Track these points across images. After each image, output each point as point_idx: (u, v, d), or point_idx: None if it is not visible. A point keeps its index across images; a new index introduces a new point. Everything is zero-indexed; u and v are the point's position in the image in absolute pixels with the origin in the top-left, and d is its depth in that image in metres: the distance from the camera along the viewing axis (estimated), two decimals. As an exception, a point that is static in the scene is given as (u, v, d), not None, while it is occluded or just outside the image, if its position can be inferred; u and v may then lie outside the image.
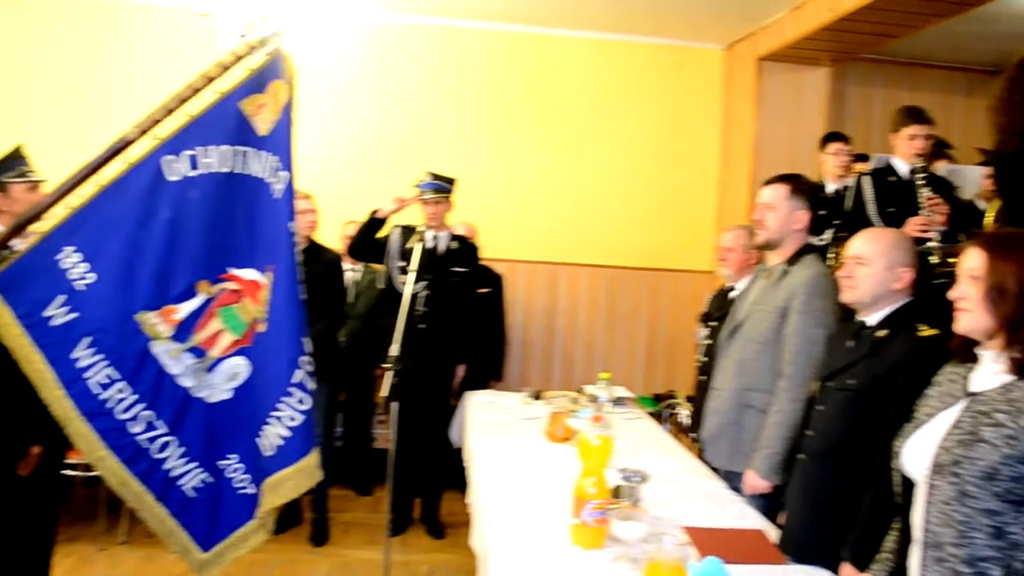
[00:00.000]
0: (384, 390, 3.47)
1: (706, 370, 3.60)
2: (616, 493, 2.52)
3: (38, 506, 3.18)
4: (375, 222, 4.38)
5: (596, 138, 6.08)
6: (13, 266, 2.28)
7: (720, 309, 3.76)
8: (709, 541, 2.29)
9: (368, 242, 4.45)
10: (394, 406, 3.59)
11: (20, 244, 2.37)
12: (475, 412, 4.00)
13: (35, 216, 2.33)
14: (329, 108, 5.61)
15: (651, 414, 4.56)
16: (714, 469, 3.12)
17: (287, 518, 4.55)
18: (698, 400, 3.76)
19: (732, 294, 3.77)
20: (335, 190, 5.18)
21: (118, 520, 4.42)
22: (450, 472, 4.75)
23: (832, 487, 2.34)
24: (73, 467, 3.84)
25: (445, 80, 5.98)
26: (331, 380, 4.36)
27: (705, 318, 4.05)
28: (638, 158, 6.13)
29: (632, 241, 6.15)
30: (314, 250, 4.25)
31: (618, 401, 4.18)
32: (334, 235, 5.19)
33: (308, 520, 4.58)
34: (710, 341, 3.73)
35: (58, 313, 2.27)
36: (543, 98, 6.04)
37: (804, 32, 5.06)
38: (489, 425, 3.71)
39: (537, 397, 4.28)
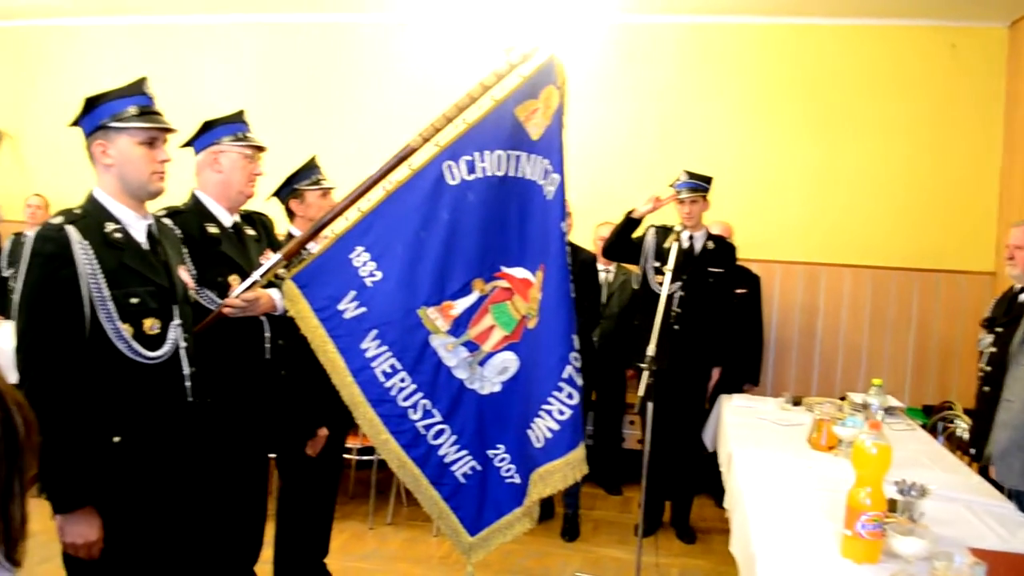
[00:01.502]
0: (640, 390, 3.50)
1: (991, 380, 3.31)
2: (892, 507, 2.39)
3: (321, 484, 3.52)
4: (630, 222, 4.41)
5: (858, 130, 5.74)
6: (312, 265, 2.56)
7: (1008, 314, 3.44)
8: (1006, 567, 2.11)
9: (623, 242, 4.48)
10: (649, 407, 3.61)
11: (314, 246, 2.65)
12: (731, 416, 3.92)
13: (330, 220, 2.59)
14: (579, 110, 5.69)
15: (922, 426, 4.25)
16: (1001, 488, 2.86)
17: (540, 511, 4.69)
18: (982, 413, 3.46)
19: (1022, 297, 3.43)
20: (587, 191, 5.28)
21: (386, 502, 4.79)
22: (702, 476, 4.72)
23: None
24: (348, 451, 4.19)
25: (695, 77, 5.90)
26: (583, 379, 4.44)
27: (989, 324, 3.70)
28: (905, 150, 5.71)
29: (899, 239, 5.74)
30: (570, 250, 4.36)
31: (888, 411, 3.94)
32: (587, 236, 5.29)
33: (560, 515, 4.72)
34: (995, 349, 3.42)
35: (350, 307, 2.52)
36: (799, 91, 5.79)
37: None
38: (746, 430, 3.62)
39: (796, 403, 4.13)
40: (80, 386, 2.03)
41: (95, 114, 2.16)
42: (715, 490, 4.97)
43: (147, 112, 2.19)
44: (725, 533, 4.57)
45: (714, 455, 4.19)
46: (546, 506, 4.74)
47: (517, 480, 2.56)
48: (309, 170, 3.41)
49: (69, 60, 6.63)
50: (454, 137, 2.47)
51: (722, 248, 4.56)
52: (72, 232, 2.06)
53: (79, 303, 2.04)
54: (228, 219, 2.79)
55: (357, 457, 4.70)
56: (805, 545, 2.27)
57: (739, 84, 5.86)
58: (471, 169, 2.47)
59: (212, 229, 2.71)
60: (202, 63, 6.41)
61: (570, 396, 2.37)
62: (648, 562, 4.19)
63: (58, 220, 2.09)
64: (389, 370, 2.52)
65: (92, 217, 2.14)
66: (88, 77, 5.93)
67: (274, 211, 3.30)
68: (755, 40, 5.84)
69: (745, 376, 5.09)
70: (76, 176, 2.23)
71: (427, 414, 2.55)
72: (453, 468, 2.60)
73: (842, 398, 4.07)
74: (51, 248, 2.04)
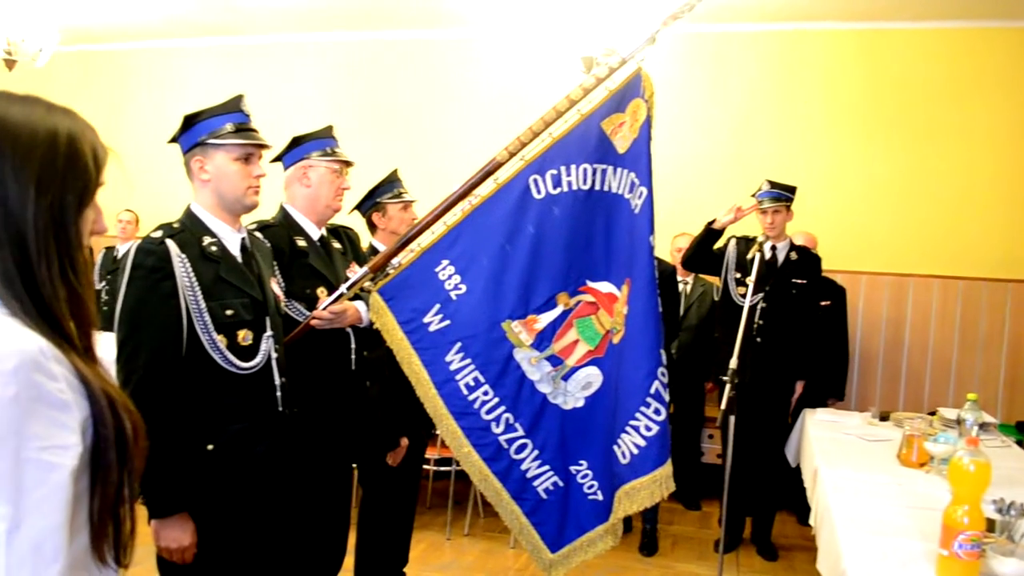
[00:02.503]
0: (722, 403, 3.45)
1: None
2: (990, 527, 2.30)
3: (402, 494, 3.56)
4: (712, 233, 4.35)
5: (947, 137, 5.55)
6: (398, 278, 2.60)
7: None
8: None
9: (704, 253, 4.43)
10: (731, 420, 3.55)
11: (399, 260, 2.69)
12: (815, 431, 3.83)
13: (416, 234, 2.63)
14: (657, 116, 5.67)
15: (1016, 443, 4.09)
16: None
17: (618, 525, 4.67)
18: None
19: None
20: (663, 202, 5.17)
21: (463, 513, 4.81)
22: (784, 492, 4.63)
23: None
24: (426, 461, 4.23)
25: (773, 86, 5.81)
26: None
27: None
28: (1000, 156, 5.48)
29: (992, 249, 5.51)
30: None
31: (982, 426, 3.80)
32: (664, 247, 5.25)
33: (637, 530, 4.67)
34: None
35: (434, 320, 2.55)
36: (884, 97, 5.63)
37: None
38: (832, 445, 3.54)
39: (884, 418, 4.03)
40: (178, 396, 2.10)
41: (193, 131, 2.23)
42: (797, 506, 4.87)
43: (243, 129, 2.26)
44: (808, 551, 4.52)
45: (796, 470, 4.11)
46: (623, 520, 4.69)
47: (600, 497, 2.55)
48: (390, 183, 3.46)
49: (162, 80, 6.88)
50: (540, 151, 2.49)
51: (806, 259, 4.47)
52: (172, 246, 2.13)
53: (178, 315, 2.11)
54: (316, 232, 2.85)
55: (435, 468, 4.75)
56: (898, 565, 2.20)
57: (820, 92, 5.74)
58: (557, 183, 2.48)
59: (301, 242, 2.78)
60: (289, 80, 6.57)
61: (657, 412, 2.35)
62: (729, 579, 4.13)
63: (158, 234, 2.16)
64: (472, 383, 2.54)
65: (190, 231, 2.21)
66: (180, 96, 6.17)
67: (357, 224, 3.37)
68: (834, 46, 5.71)
69: (829, 390, 4.96)
70: (165, 193, 2.31)
71: (509, 428, 2.56)
72: (535, 483, 2.60)
73: (932, 413, 3.95)
74: (152, 261, 2.11)
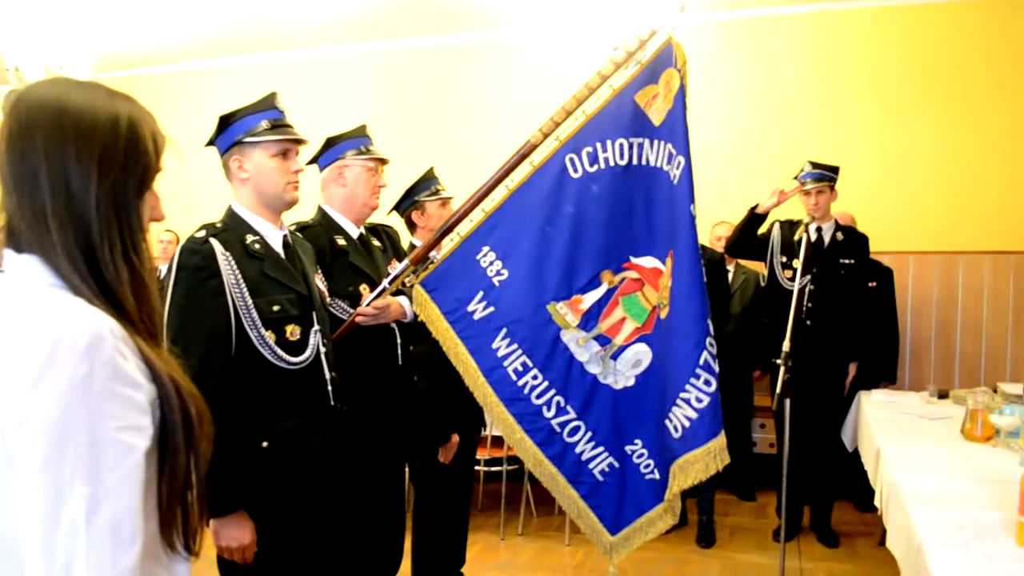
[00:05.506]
0: (777, 387, 3.40)
1: None
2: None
3: (455, 493, 3.55)
4: (755, 218, 4.31)
5: (992, 108, 5.40)
6: (439, 268, 2.59)
7: None
8: None
9: (748, 239, 4.39)
10: (786, 404, 3.50)
11: (435, 254, 2.68)
12: (873, 412, 3.75)
13: (455, 223, 2.62)
14: (691, 107, 5.64)
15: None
16: None
17: (672, 518, 4.62)
18: None
19: None
20: (702, 190, 5.16)
21: (516, 514, 4.79)
22: (842, 479, 4.54)
23: None
24: (476, 462, 4.21)
25: (813, 66, 5.72)
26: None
27: None
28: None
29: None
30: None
31: (1045, 400, 3.70)
32: (703, 236, 5.18)
33: (693, 522, 4.61)
34: None
35: (478, 308, 2.53)
36: (926, 70, 5.51)
37: None
38: (892, 424, 3.46)
39: (943, 395, 3.94)
40: (231, 394, 2.10)
41: (230, 131, 2.26)
42: (855, 493, 4.78)
43: (279, 125, 2.28)
44: (869, 536, 4.44)
45: (852, 456, 4.03)
46: (679, 514, 4.63)
47: (656, 476, 2.51)
48: (427, 181, 3.46)
49: (198, 101, 6.94)
50: (574, 130, 2.47)
51: (852, 238, 4.41)
52: (216, 244, 2.14)
53: (227, 312, 2.11)
54: (355, 231, 2.86)
55: (485, 468, 4.73)
56: (975, 535, 2.13)
57: (859, 68, 5.64)
58: (593, 160, 2.46)
59: (341, 241, 2.79)
60: (324, 93, 6.62)
61: (707, 383, 2.31)
62: (792, 567, 4.04)
63: (201, 234, 2.18)
64: (521, 368, 2.52)
65: (233, 230, 2.22)
66: (216, 117, 6.23)
67: (396, 226, 3.37)
68: (870, 24, 5.62)
69: (881, 374, 4.86)
70: (207, 213, 2.32)
71: (561, 411, 2.54)
72: (590, 466, 2.57)
73: (993, 388, 3.85)
74: (197, 260, 2.12)
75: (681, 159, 2.38)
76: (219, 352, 2.10)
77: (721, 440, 2.34)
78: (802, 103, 5.74)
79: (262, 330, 2.15)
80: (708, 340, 2.34)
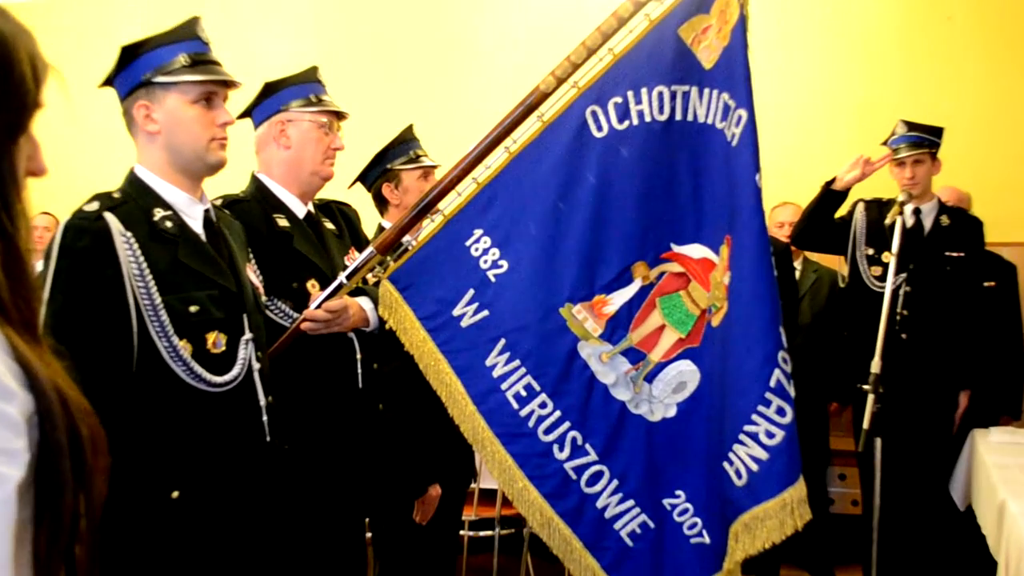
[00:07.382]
0: (864, 422, 3.37)
1: None
2: None
3: (432, 565, 3.50)
4: (831, 196, 4.29)
5: None
6: (415, 258, 2.56)
7: None
8: None
9: (822, 224, 4.39)
10: (877, 444, 3.47)
11: (409, 239, 2.64)
12: (992, 456, 3.75)
13: (437, 197, 2.58)
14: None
15: None
16: None
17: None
18: None
19: None
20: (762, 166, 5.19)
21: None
22: (953, 545, 4.51)
23: None
24: (462, 526, 4.17)
25: (906, 6, 5.75)
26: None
27: None
28: None
29: None
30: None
31: None
32: (765, 222, 5.18)
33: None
34: None
35: (468, 311, 2.50)
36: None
37: None
38: (1020, 473, 3.45)
39: (1085, 436, 3.93)
40: (128, 424, 2.05)
41: (134, 67, 2.22)
42: (970, 566, 4.74)
43: (201, 62, 2.24)
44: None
45: (966, 515, 4.00)
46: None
47: (705, 539, 2.48)
48: (404, 144, 3.43)
49: (90, 35, 6.90)
50: (598, 74, 2.46)
51: (962, 223, 4.42)
52: (112, 221, 2.10)
53: (125, 315, 2.07)
54: (301, 209, 2.85)
55: (471, 533, 4.67)
56: None
57: (967, 7, 5.66)
58: (623, 115, 2.44)
59: (282, 222, 2.77)
60: (265, 22, 6.63)
61: (781, 412, 2.26)
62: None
63: (93, 206, 2.13)
64: (524, 393, 2.49)
65: (135, 202, 2.19)
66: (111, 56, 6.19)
67: (362, 203, 3.34)
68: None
69: (1001, 405, 4.84)
70: (92, 187, 2.27)
71: (577, 451, 2.51)
72: (616, 526, 2.54)
73: None
74: (86, 242, 2.07)
75: (742, 113, 2.34)
76: (112, 368, 2.06)
77: (800, 489, 2.30)
78: (895, 50, 5.77)
79: (174, 339, 2.13)
80: (781, 355, 2.28)
